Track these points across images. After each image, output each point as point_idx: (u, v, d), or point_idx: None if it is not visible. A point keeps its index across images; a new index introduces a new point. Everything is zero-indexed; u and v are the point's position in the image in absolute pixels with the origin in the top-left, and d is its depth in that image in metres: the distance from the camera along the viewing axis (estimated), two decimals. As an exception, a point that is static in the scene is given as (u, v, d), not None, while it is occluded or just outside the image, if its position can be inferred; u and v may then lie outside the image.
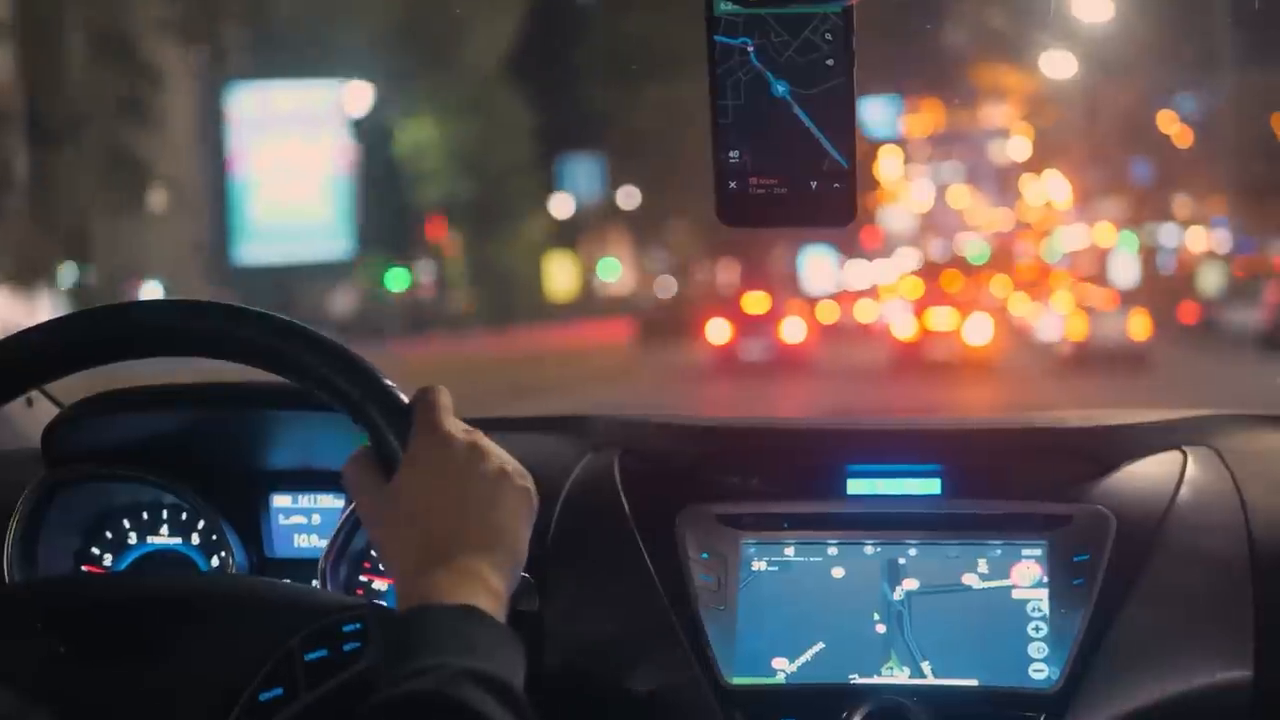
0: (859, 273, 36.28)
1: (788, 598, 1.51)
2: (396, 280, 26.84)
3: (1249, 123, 24.98)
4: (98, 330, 1.20)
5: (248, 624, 1.16)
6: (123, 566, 1.73)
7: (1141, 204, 32.60)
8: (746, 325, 21.27)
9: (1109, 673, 1.41)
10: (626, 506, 1.57)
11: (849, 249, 35.42)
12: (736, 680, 1.46)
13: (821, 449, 1.67)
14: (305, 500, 1.74)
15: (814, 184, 1.14)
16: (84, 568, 1.72)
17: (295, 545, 1.74)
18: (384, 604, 1.28)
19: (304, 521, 1.75)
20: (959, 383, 18.22)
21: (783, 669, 1.48)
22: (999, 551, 1.51)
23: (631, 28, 26.14)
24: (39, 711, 1.04)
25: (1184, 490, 1.54)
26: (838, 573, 1.52)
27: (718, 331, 21.32)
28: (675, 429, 1.70)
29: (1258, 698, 1.40)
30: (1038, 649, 1.46)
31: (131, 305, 1.23)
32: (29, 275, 18.04)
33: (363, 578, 1.65)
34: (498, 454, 1.14)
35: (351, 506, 1.58)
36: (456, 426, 1.15)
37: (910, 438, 1.69)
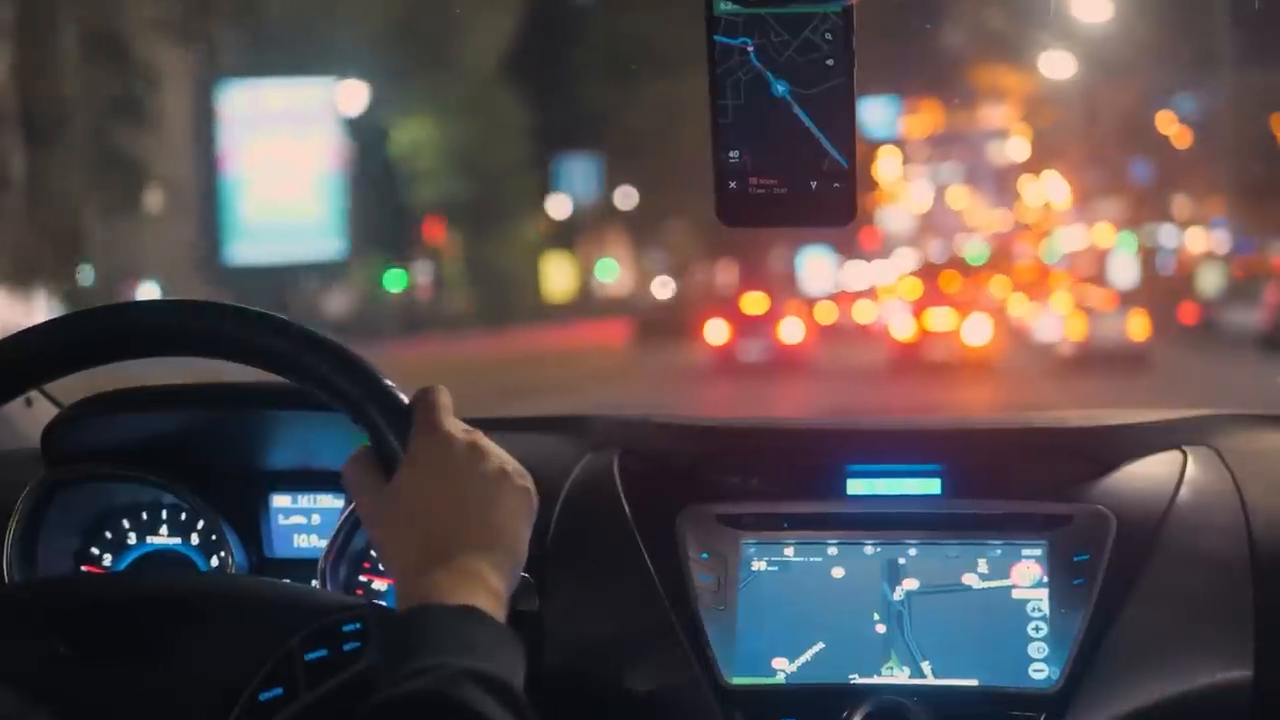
0: (857, 273, 36.26)
1: (788, 598, 1.51)
2: (394, 281, 26.82)
3: (1248, 123, 24.97)
4: (97, 330, 1.20)
5: (247, 624, 1.16)
6: (122, 566, 1.73)
7: (1140, 205, 32.59)
8: (745, 326, 21.27)
9: (1109, 673, 1.41)
10: (626, 506, 1.57)
11: (847, 250, 35.41)
12: (736, 680, 1.46)
13: (821, 449, 1.67)
14: (305, 500, 1.74)
15: (814, 184, 1.14)
16: (84, 568, 1.72)
17: (295, 545, 1.74)
18: (384, 604, 1.28)
19: (303, 521, 1.75)
20: (958, 383, 18.22)
21: (783, 669, 1.48)
22: (999, 551, 1.51)
23: (629, 27, 26.13)
24: (39, 711, 1.04)
25: (1184, 490, 1.54)
26: (838, 573, 1.52)
27: (716, 332, 21.32)
28: (675, 429, 1.70)
29: (1258, 698, 1.40)
30: (1038, 649, 1.46)
31: (130, 305, 1.23)
32: (26, 276, 18.02)
33: (362, 578, 1.65)
34: (498, 454, 1.14)
35: (351, 506, 1.58)
36: (456, 426, 1.15)
37: (910, 438, 1.69)
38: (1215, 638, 1.43)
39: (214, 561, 1.72)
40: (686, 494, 1.58)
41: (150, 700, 1.09)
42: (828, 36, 1.12)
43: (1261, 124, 24.74)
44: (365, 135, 25.29)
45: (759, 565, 1.53)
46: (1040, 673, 1.44)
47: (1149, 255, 32.03)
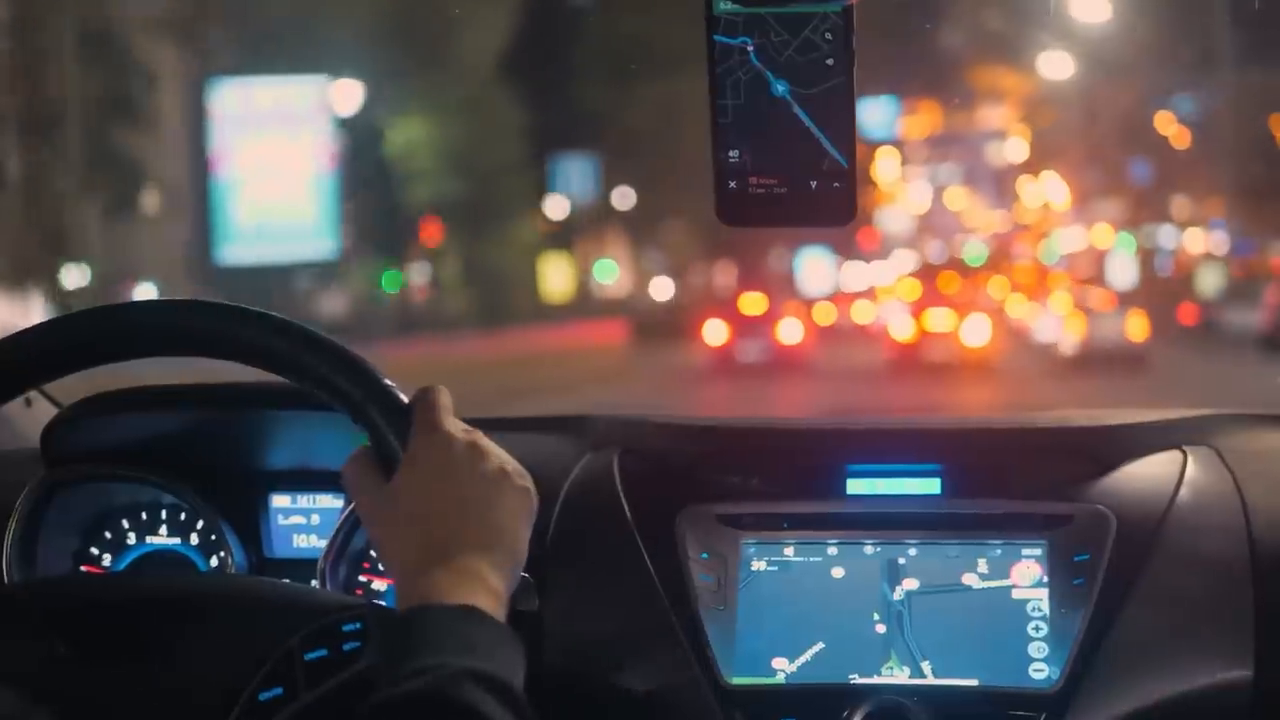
0: (856, 274, 36.22)
1: (788, 598, 1.51)
2: (393, 281, 26.80)
3: (1247, 124, 24.97)
4: (96, 330, 1.20)
5: (247, 624, 1.16)
6: (122, 567, 1.73)
7: (1139, 205, 32.58)
8: (743, 326, 21.27)
9: (1109, 673, 1.41)
10: (626, 506, 1.57)
11: (846, 250, 35.37)
12: (736, 680, 1.46)
13: (821, 449, 1.67)
14: (304, 500, 1.74)
15: (814, 184, 1.14)
16: (83, 568, 1.72)
17: (294, 545, 1.74)
18: (384, 604, 1.28)
19: (303, 521, 1.75)
20: (957, 384, 18.22)
21: (783, 669, 1.48)
22: (999, 551, 1.51)
23: (627, 26, 26.11)
24: (39, 711, 1.04)
25: (1184, 490, 1.54)
26: (837, 573, 1.52)
27: (715, 333, 21.32)
28: (675, 429, 1.70)
29: (1258, 698, 1.40)
30: (1038, 649, 1.46)
31: (130, 305, 1.23)
32: (22, 276, 18.01)
33: (362, 578, 1.65)
34: (497, 454, 1.14)
35: (351, 506, 1.58)
36: (456, 426, 1.15)
37: (910, 437, 1.69)
38: (1215, 638, 1.42)
39: (213, 561, 1.72)
40: (686, 494, 1.58)
41: (150, 700, 1.09)
42: (828, 36, 1.12)
43: (1261, 124, 24.74)
44: (361, 135, 25.22)
45: (759, 565, 1.53)
46: (1040, 673, 1.44)
47: (1148, 256, 32.03)
